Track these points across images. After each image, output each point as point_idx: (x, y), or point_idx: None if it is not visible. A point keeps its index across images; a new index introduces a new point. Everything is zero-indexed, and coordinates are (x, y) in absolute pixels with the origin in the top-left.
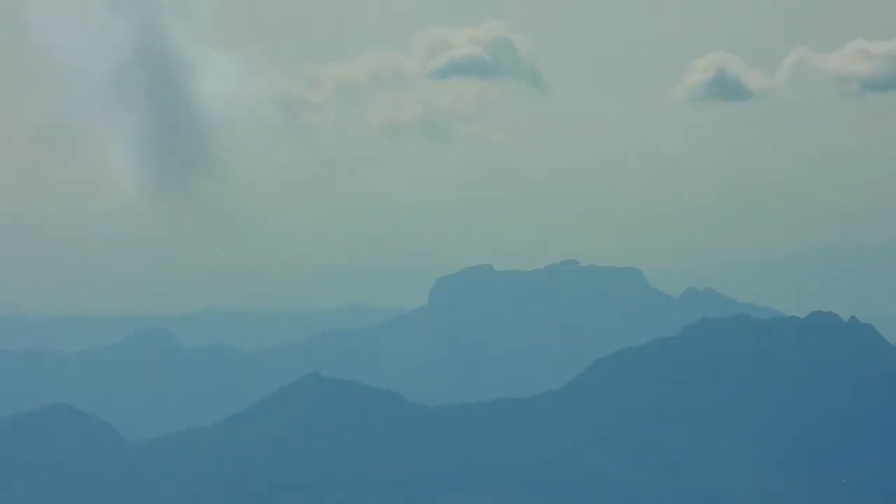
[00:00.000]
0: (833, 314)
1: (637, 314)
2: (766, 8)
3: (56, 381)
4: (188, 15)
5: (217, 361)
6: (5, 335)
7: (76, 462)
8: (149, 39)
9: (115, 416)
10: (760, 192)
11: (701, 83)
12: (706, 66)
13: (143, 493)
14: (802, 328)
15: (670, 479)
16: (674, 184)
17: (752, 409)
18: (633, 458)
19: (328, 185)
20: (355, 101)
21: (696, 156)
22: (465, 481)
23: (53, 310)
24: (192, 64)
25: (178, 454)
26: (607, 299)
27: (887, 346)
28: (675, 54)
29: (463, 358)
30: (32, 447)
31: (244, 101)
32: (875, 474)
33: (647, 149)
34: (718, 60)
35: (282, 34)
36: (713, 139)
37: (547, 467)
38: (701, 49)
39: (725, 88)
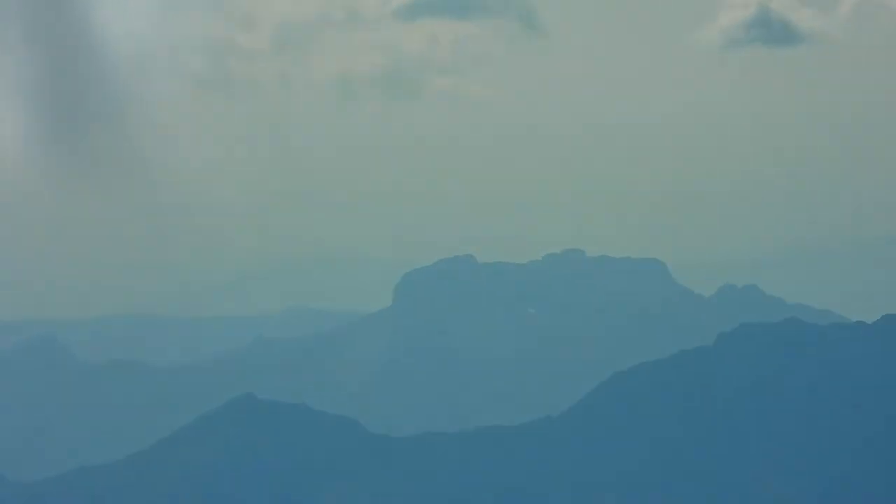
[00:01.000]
0: None
1: (660, 318)
2: None
3: None
4: None
5: (121, 380)
6: None
7: None
8: None
9: None
10: (814, 163)
11: (739, 24)
12: (745, 2)
13: None
14: (871, 336)
15: None
16: (704, 153)
17: (805, 439)
18: (657, 500)
19: (265, 154)
20: (300, 48)
21: (732, 116)
22: None
23: None
24: None
25: (72, 499)
26: (622, 299)
27: None
28: None
29: (438, 374)
30: None
31: (158, 45)
32: None
33: (671, 108)
34: None
35: None
36: (754, 95)
37: None
38: None
39: (770, 30)
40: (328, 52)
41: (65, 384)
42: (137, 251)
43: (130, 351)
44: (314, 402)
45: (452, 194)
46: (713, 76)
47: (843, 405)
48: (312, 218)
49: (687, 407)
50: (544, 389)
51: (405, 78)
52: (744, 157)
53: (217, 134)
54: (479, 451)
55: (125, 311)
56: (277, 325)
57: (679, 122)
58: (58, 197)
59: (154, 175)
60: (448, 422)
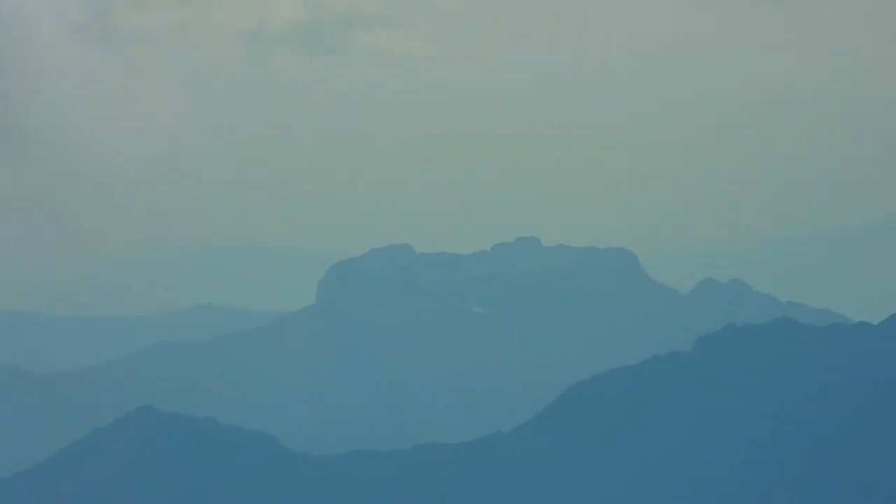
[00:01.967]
0: None
1: (629, 317)
2: None
3: None
4: None
5: None
6: None
7: None
8: None
9: None
10: (816, 138)
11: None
12: None
13: None
14: (877, 339)
15: None
16: (679, 119)
17: (799, 458)
18: None
19: (159, 120)
20: None
21: (712, 73)
22: None
23: None
24: None
25: None
26: (584, 296)
27: None
28: None
29: (367, 382)
30: None
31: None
32: None
33: (638, 66)
34: None
35: None
36: (735, 43)
37: None
38: None
39: None
40: (235, 4)
41: None
42: (10, 234)
43: (5, 355)
44: (224, 415)
45: (383, 172)
46: (686, 19)
47: (845, 417)
48: (222, 199)
49: (660, 421)
50: (493, 401)
51: (323, 33)
52: (729, 124)
53: (106, 89)
54: (416, 472)
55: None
56: (181, 325)
57: (647, 81)
58: None
59: (31, 137)
60: (380, 438)
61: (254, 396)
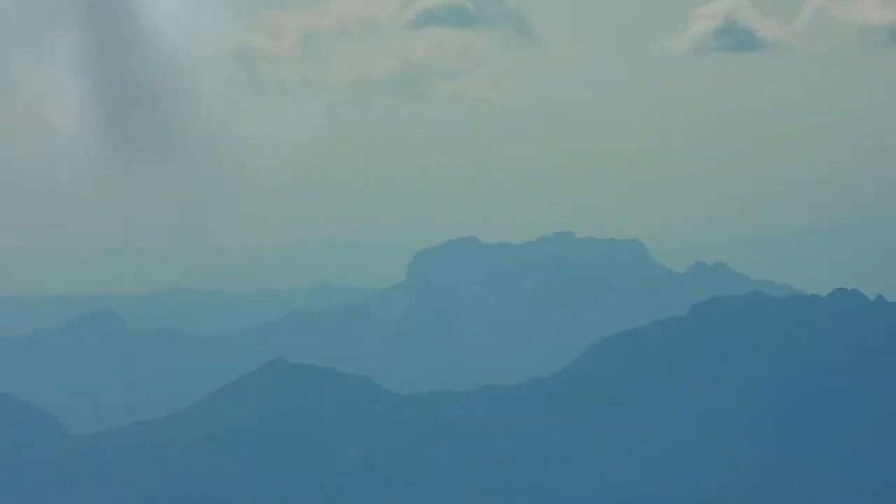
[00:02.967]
0: (858, 292)
1: (640, 292)
2: None
3: None
4: None
5: (169, 347)
6: None
7: (16, 456)
8: None
9: (58, 407)
10: (776, 157)
11: (708, 32)
12: (714, 13)
13: (87, 491)
14: (823, 307)
15: (672, 477)
16: (679, 146)
17: (767, 399)
18: (633, 454)
19: (293, 148)
20: (321, 55)
21: (703, 115)
22: (446, 478)
23: None
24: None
25: (125, 449)
26: (606, 275)
27: None
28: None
29: (445, 342)
30: None
31: (197, 49)
32: None
33: (649, 107)
34: (728, 6)
35: None
36: (721, 96)
37: (536, 465)
38: None
39: (735, 38)
40: (346, 58)
41: (120, 351)
42: (180, 232)
43: (176, 322)
44: (338, 365)
45: (458, 183)
46: (685, 78)
47: (800, 367)
48: (335, 204)
49: (663, 369)
50: (538, 355)
51: (415, 81)
52: (714, 151)
53: (251, 126)
54: (480, 407)
55: (170, 286)
56: (304, 299)
57: (655, 118)
58: (110, 181)
59: (196, 159)
60: (454, 382)
61: (359, 352)
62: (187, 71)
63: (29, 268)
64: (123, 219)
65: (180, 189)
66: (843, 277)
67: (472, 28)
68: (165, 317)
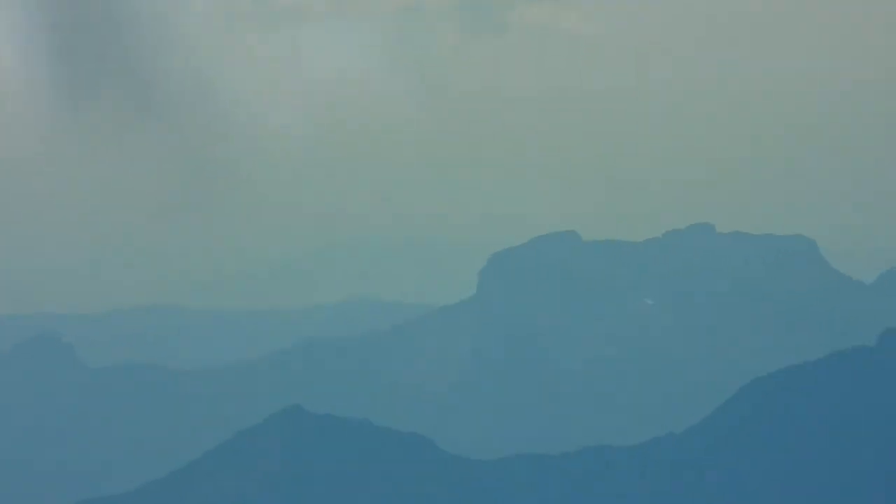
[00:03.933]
0: None
1: (809, 310)
2: None
3: None
4: None
5: (136, 387)
6: None
7: None
8: None
9: None
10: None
11: None
12: None
13: None
14: None
15: None
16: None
17: None
18: None
19: (315, 99)
20: None
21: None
22: None
23: None
24: None
25: None
26: (762, 286)
27: None
28: None
29: (532, 380)
30: None
31: None
32: None
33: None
34: None
35: None
36: None
37: None
38: None
39: None
40: None
41: (67, 392)
42: (157, 225)
43: (147, 351)
44: (377, 416)
45: (548, 156)
46: None
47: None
48: (375, 185)
49: (841, 421)
50: (665, 400)
51: (483, 9)
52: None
53: (255, 72)
54: (585, 476)
55: (140, 302)
56: (331, 320)
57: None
58: (60, 142)
59: (184, 114)
60: (546, 441)
61: (409, 396)
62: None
63: None
64: (77, 200)
65: (160, 156)
66: None
67: None
68: (134, 345)
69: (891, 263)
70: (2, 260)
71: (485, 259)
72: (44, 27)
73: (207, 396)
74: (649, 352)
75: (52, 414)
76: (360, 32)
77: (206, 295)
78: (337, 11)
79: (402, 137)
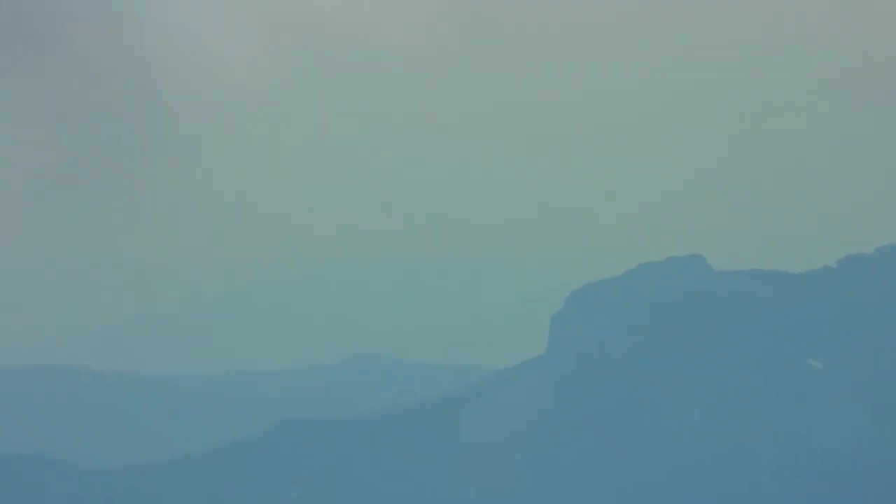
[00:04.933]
0: None
1: None
2: None
3: None
4: None
5: (27, 484)
6: None
7: None
8: None
9: None
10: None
11: None
12: None
13: None
14: None
15: None
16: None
17: None
18: None
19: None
20: None
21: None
22: None
23: None
24: None
25: None
26: None
27: None
28: None
29: (629, 465)
30: None
31: None
32: None
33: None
34: None
35: None
36: None
37: None
38: None
39: None
40: None
41: None
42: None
43: (40, 442)
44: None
45: (652, 150)
46: None
47: None
48: (410, 195)
49: None
50: (832, 487)
51: None
52: None
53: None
54: None
55: (30, 361)
56: (332, 384)
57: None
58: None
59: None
60: None
61: (457, 483)
62: None
63: None
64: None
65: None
66: None
67: None
68: (25, 435)
69: None
70: None
71: (562, 299)
72: None
73: None
74: (813, 439)
75: None
76: None
77: (116, 349)
78: None
79: (443, 120)
